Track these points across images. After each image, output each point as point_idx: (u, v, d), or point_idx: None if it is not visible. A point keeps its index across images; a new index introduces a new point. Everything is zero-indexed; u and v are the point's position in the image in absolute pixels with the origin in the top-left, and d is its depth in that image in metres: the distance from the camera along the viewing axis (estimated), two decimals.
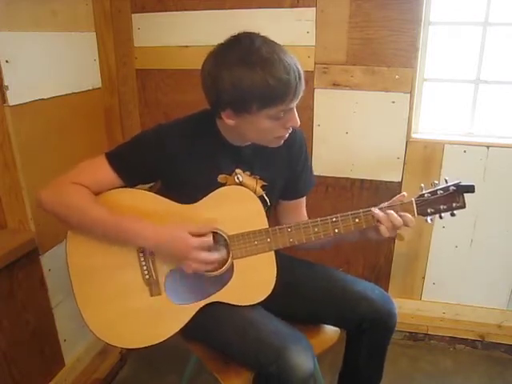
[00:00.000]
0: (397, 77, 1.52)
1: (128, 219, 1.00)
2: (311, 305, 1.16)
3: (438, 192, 1.02)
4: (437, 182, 1.04)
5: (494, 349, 1.78)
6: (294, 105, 0.98)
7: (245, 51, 0.92)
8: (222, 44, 0.97)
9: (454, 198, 1.02)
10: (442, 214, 1.04)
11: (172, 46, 1.63)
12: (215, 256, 1.02)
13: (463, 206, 1.02)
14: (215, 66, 0.95)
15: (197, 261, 0.99)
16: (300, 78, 0.94)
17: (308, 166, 1.21)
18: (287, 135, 1.04)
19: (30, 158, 1.28)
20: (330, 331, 1.22)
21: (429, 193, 1.03)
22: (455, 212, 1.03)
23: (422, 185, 1.04)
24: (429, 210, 1.03)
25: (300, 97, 0.97)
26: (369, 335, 1.15)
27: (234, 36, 0.96)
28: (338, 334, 1.22)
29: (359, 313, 1.12)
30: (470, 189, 1.01)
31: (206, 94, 0.99)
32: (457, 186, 1.01)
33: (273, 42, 0.96)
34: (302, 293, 1.17)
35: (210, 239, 1.01)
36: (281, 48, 0.95)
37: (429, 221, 1.04)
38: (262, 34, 0.97)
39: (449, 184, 1.02)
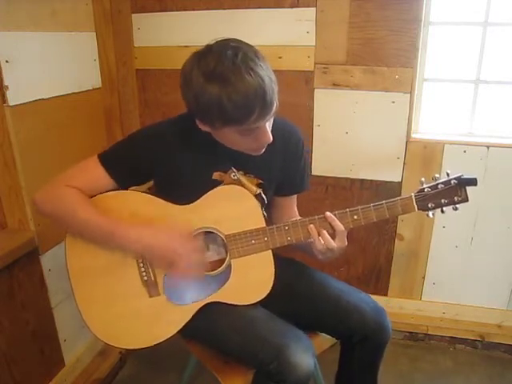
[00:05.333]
0: (397, 77, 1.52)
1: (119, 226, 0.99)
2: (304, 311, 1.15)
3: (439, 186, 1.00)
4: (438, 175, 1.01)
5: (494, 349, 1.78)
6: (260, 124, 0.92)
7: (209, 65, 0.87)
8: (195, 52, 0.93)
9: (455, 191, 0.99)
10: (444, 208, 1.01)
11: (172, 46, 1.64)
12: (205, 260, 1.01)
13: (466, 200, 1.00)
14: (183, 76, 0.92)
15: (188, 264, 0.98)
16: (264, 100, 0.87)
17: (304, 167, 1.20)
18: (265, 146, 1.00)
19: (30, 158, 1.28)
20: (325, 336, 1.21)
21: (429, 187, 1.00)
22: (458, 206, 1.00)
23: (423, 179, 1.02)
24: (429, 205, 1.00)
25: (268, 117, 0.92)
26: (360, 349, 1.13)
27: (209, 44, 0.92)
28: (333, 341, 1.20)
29: (350, 324, 1.10)
30: (473, 182, 0.98)
31: None
32: (458, 179, 0.99)
33: (247, 55, 0.88)
34: (295, 298, 1.16)
35: (200, 242, 1.01)
36: (251, 64, 0.87)
37: (430, 215, 1.02)
38: (242, 42, 0.92)
39: (450, 177, 1.00)
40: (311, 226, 1.01)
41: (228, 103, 0.86)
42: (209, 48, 0.91)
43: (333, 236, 1.01)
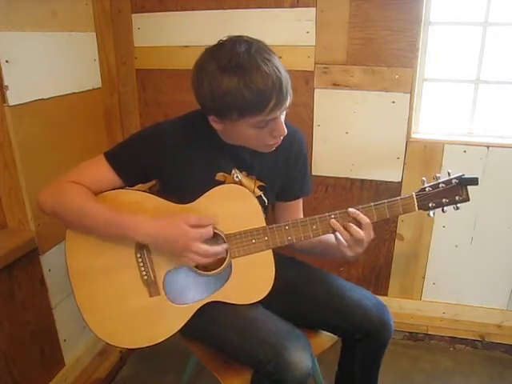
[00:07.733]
0: (397, 77, 1.52)
1: (127, 214, 0.99)
2: (307, 310, 1.15)
3: (440, 185, 1.00)
4: (439, 175, 1.01)
5: (494, 349, 1.78)
6: (276, 115, 0.94)
7: (224, 57, 0.89)
8: (207, 48, 0.95)
9: (456, 191, 1.00)
10: (445, 208, 1.02)
11: (172, 46, 1.63)
12: (216, 248, 1.00)
13: (467, 199, 1.00)
14: (197, 71, 0.94)
15: (197, 253, 0.97)
16: (281, 89, 0.89)
17: (307, 169, 1.20)
18: (279, 141, 1.02)
19: (30, 158, 1.28)
20: (327, 334, 1.21)
21: (430, 186, 1.01)
22: (459, 205, 1.01)
23: (424, 178, 1.03)
24: (430, 204, 1.01)
25: (284, 107, 0.94)
26: (362, 346, 1.14)
27: (221, 40, 0.94)
28: (335, 339, 1.21)
29: (353, 321, 1.11)
30: (474, 181, 0.99)
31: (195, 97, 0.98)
32: (459, 178, 0.99)
33: (261, 47, 0.91)
34: (298, 297, 1.16)
35: (209, 230, 0.99)
36: (265, 55, 0.90)
37: (431, 215, 1.02)
38: (253, 38, 0.93)
39: (451, 177, 1.00)
40: (333, 220, 1.01)
41: (246, 91, 0.87)
42: (221, 43, 0.93)
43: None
